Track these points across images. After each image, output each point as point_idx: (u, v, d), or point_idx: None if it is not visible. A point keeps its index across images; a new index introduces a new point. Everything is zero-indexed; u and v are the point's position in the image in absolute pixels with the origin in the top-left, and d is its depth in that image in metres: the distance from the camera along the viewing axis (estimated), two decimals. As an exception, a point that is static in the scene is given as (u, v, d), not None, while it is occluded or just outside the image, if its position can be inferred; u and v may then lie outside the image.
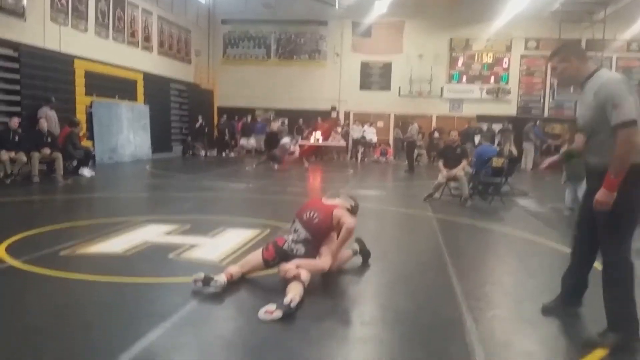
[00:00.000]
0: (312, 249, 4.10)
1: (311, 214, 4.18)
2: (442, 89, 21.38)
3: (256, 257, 4.15)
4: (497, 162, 9.53)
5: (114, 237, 5.57)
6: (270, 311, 3.38)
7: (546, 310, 3.65)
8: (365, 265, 4.79)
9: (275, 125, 18.73)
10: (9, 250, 4.84)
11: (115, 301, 3.73)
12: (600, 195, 3.07)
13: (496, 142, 17.05)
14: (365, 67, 21.88)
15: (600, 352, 3.05)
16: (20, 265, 4.41)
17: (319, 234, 4.13)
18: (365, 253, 4.83)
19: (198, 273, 3.88)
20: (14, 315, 3.41)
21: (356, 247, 4.83)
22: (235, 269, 4.04)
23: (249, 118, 20.84)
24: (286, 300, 3.44)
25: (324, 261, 4.09)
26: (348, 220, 4.13)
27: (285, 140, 14.38)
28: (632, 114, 2.95)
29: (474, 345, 3.11)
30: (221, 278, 3.84)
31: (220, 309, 3.65)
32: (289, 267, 3.88)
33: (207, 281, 3.81)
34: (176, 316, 3.38)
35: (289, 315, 3.39)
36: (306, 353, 2.98)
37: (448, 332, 3.36)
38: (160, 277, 4.23)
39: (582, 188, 8.34)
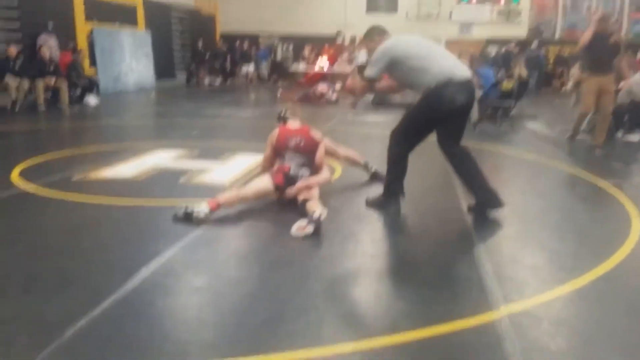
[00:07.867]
0: (313, 168, 4.32)
1: (297, 141, 4.30)
2: (450, 12, 20.67)
3: (265, 182, 4.15)
4: (507, 85, 9.36)
5: (124, 162, 5.61)
6: (302, 227, 3.50)
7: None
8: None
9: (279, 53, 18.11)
10: (23, 175, 4.90)
11: (130, 222, 3.82)
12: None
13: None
14: (372, -11, 21.05)
15: (601, 269, 3.12)
16: (34, 189, 4.48)
17: (312, 154, 4.33)
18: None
19: (176, 214, 3.75)
20: (33, 237, 3.49)
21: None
22: (228, 196, 3.92)
23: (245, 44, 19.79)
24: (316, 215, 3.54)
25: (326, 174, 4.40)
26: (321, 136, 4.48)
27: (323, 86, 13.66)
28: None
29: (482, 259, 3.19)
30: (201, 210, 3.71)
31: (233, 229, 3.73)
32: (303, 184, 4.07)
33: (188, 217, 3.70)
34: (191, 235, 3.46)
35: (318, 229, 3.50)
36: (319, 268, 3.07)
37: (456, 248, 3.44)
38: (173, 200, 4.29)
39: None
